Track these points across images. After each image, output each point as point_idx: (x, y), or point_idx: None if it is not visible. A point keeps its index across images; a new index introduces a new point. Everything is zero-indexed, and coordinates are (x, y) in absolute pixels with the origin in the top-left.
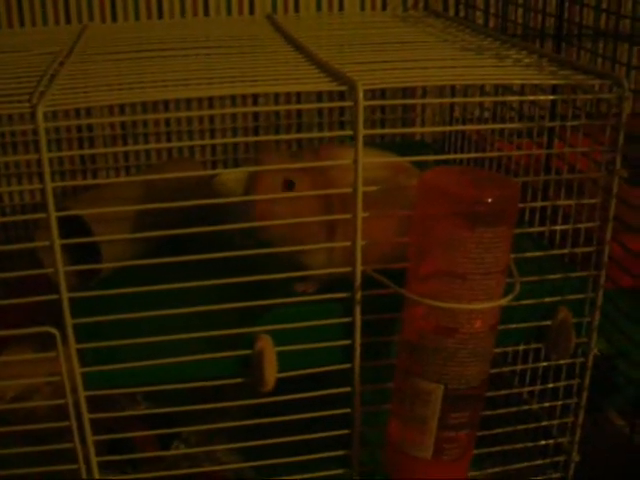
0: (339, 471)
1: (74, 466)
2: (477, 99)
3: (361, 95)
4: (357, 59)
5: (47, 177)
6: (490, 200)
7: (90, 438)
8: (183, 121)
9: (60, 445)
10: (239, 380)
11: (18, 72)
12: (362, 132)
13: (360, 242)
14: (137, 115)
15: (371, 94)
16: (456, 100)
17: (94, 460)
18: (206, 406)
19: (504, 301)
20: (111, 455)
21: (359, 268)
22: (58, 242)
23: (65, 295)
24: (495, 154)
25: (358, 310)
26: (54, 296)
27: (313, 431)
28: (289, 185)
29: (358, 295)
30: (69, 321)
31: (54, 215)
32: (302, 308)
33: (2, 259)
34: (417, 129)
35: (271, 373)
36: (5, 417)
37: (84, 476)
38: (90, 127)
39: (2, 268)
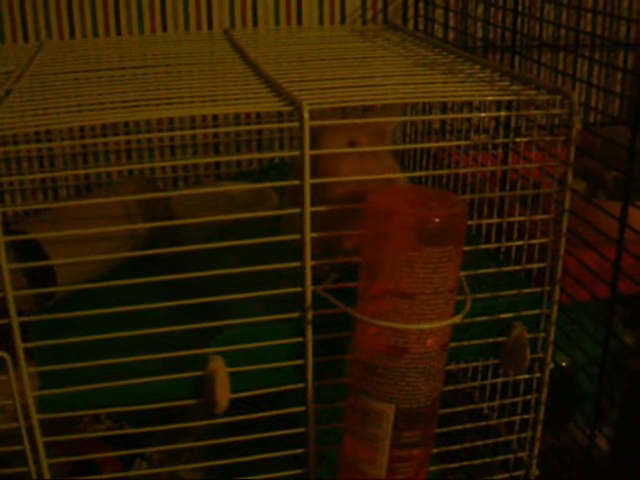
0: None
1: None
2: (427, 117)
3: (306, 115)
4: (309, 76)
5: None
6: (437, 220)
7: (45, 461)
8: (143, 139)
9: (14, 469)
10: (192, 402)
11: None
12: (308, 152)
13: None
14: (97, 138)
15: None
16: (407, 118)
17: None
18: (166, 427)
19: (454, 320)
20: (74, 476)
21: (309, 288)
22: (6, 266)
23: (15, 319)
24: (448, 171)
25: (310, 330)
26: (4, 320)
27: (273, 449)
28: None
29: (309, 314)
30: (19, 345)
31: (2, 240)
32: (254, 328)
33: None
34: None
35: (223, 394)
36: None
37: None
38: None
39: None
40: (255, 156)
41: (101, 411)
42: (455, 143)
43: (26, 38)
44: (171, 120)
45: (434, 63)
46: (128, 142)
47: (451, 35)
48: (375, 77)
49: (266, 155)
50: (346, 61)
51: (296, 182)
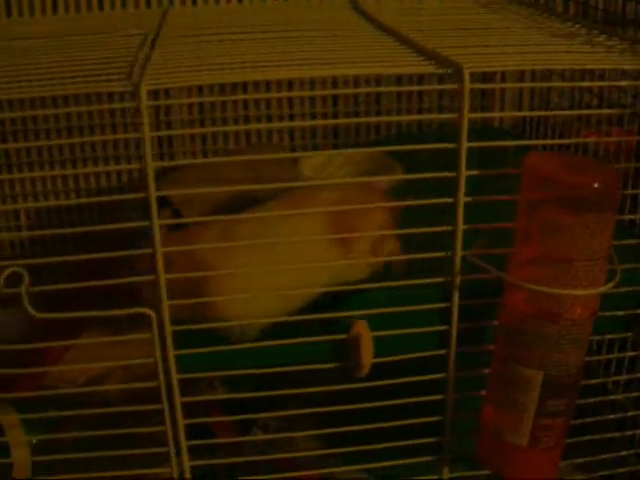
0: (428, 458)
1: (164, 449)
2: (569, 84)
3: (467, 78)
4: (452, 43)
5: (148, 157)
6: (597, 185)
7: (181, 421)
8: (262, 105)
9: (153, 428)
10: (334, 365)
11: (109, 53)
12: (467, 116)
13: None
14: (216, 96)
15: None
16: (564, 85)
17: (184, 444)
18: (290, 391)
19: (607, 287)
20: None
21: (459, 252)
22: (157, 222)
23: (162, 277)
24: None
25: (456, 295)
26: (151, 277)
27: (397, 418)
28: None
29: (457, 280)
30: (165, 303)
31: (154, 195)
32: (397, 293)
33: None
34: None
35: (367, 358)
36: (79, 401)
37: (174, 460)
38: (168, 110)
39: (85, 250)
40: (405, 118)
41: (231, 373)
42: (590, 112)
43: (148, 4)
44: (290, 88)
45: (571, 34)
46: (246, 107)
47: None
48: (518, 45)
49: (424, 117)
50: (482, 30)
51: (452, 145)
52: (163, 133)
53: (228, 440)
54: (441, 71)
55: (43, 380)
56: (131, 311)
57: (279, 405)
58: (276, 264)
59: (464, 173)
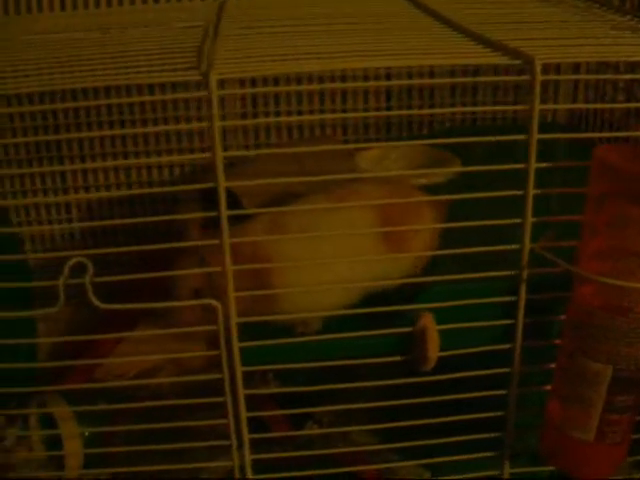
0: (488, 454)
1: (226, 442)
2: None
3: (539, 70)
4: (515, 35)
5: (218, 147)
6: None
7: (244, 414)
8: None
9: (215, 420)
10: (398, 358)
11: (171, 45)
12: (538, 107)
13: None
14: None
15: None
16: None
17: (247, 437)
18: (352, 385)
19: None
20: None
21: (527, 245)
22: (225, 213)
23: (229, 267)
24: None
25: (523, 289)
26: (218, 267)
27: (455, 413)
28: None
29: (524, 273)
30: (232, 294)
31: (223, 185)
32: (462, 286)
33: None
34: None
35: (434, 351)
36: (129, 394)
37: (235, 453)
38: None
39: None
40: (480, 109)
41: (292, 366)
42: None
43: None
44: (343, 78)
45: (631, 27)
46: (300, 102)
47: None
48: (582, 38)
49: (497, 108)
50: (543, 23)
51: (522, 137)
52: (232, 123)
53: (288, 434)
54: (511, 62)
55: (94, 373)
56: (197, 302)
57: (334, 399)
58: (325, 258)
59: (534, 165)
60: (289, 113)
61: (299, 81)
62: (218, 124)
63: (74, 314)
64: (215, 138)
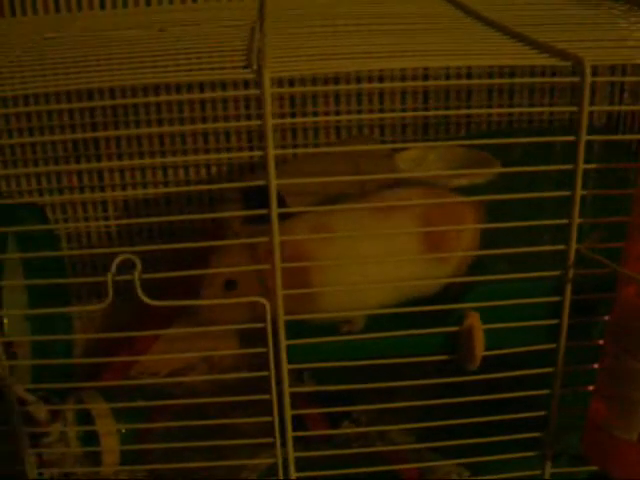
0: (528, 454)
1: (269, 440)
2: None
3: (588, 71)
4: (560, 37)
5: (270, 144)
6: None
7: (289, 412)
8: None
9: (257, 418)
10: (444, 357)
11: (218, 43)
12: (587, 108)
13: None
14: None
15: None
16: None
17: (290, 435)
18: (394, 384)
19: None
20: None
21: (574, 245)
22: (276, 211)
23: (278, 264)
24: None
25: (569, 289)
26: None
27: (495, 413)
28: None
29: (570, 273)
30: (280, 292)
31: (274, 183)
32: (509, 286)
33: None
34: None
35: (480, 350)
36: (165, 392)
37: (278, 450)
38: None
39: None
40: (535, 110)
41: (338, 364)
42: None
43: None
44: (381, 78)
45: None
46: (337, 103)
47: None
48: (629, 40)
49: (544, 109)
50: (586, 25)
51: (570, 138)
52: (285, 121)
53: (328, 432)
54: (561, 64)
55: (129, 371)
56: (246, 300)
57: (372, 398)
58: (366, 259)
59: (582, 166)
60: (326, 113)
61: (336, 81)
62: (270, 122)
63: (109, 311)
64: (268, 136)
